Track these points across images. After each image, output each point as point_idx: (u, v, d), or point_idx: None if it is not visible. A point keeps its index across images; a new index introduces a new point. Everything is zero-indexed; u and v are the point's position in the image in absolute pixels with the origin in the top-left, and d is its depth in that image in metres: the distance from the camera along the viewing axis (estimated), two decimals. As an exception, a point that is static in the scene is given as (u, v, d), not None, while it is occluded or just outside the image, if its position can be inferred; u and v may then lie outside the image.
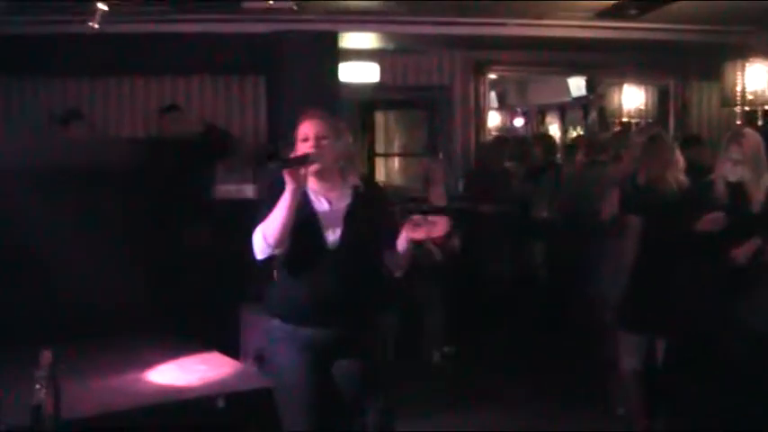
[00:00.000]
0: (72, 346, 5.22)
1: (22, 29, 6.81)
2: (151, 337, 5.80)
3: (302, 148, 3.62)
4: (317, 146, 3.60)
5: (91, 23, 6.04)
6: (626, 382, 5.39)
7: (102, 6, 5.98)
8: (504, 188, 8.22)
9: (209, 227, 7.11)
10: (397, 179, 10.68)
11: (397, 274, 3.82)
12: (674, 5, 6.81)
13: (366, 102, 9.34)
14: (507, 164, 8.88)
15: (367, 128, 9.50)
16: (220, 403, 4.58)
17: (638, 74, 9.15)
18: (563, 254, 7.60)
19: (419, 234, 3.61)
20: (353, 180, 3.78)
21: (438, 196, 7.16)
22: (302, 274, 3.62)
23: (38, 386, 2.96)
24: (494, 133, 10.16)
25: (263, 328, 3.82)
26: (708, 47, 7.94)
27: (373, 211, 3.78)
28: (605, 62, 9.18)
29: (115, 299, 5.76)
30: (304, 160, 3.51)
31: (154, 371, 5.19)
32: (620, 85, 9.15)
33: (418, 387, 6.43)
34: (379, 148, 9.93)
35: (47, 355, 2.98)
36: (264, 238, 3.49)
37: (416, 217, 3.64)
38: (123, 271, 5.86)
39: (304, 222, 3.58)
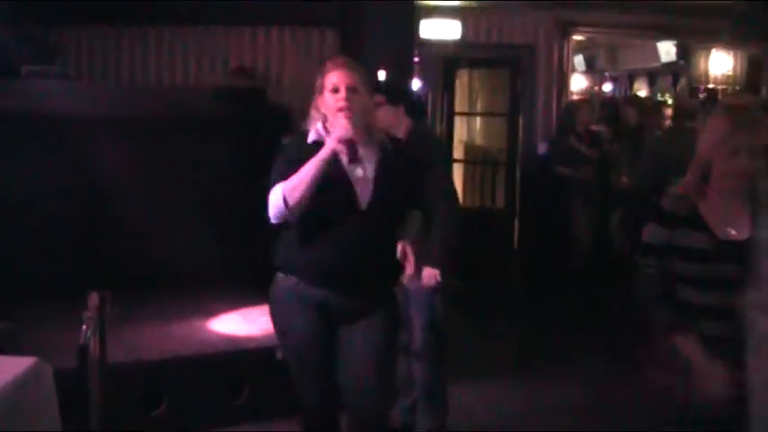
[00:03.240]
0: (139, 293, 5.38)
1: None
2: (217, 287, 5.91)
3: (331, 99, 3.33)
4: (349, 99, 3.31)
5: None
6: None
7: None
8: (588, 151, 8.07)
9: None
10: (478, 139, 10.59)
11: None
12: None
13: (448, 59, 9.22)
14: (598, 127, 8.74)
15: (448, 86, 9.37)
16: (279, 355, 4.63)
17: (730, 39, 8.83)
18: (642, 222, 7.41)
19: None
20: (379, 136, 3.52)
21: None
22: (329, 235, 3.32)
23: (84, 327, 2.97)
24: (575, 96, 9.94)
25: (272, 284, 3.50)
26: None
27: (400, 169, 3.52)
28: (695, 26, 8.88)
29: (184, 248, 5.86)
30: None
31: (217, 320, 5.29)
32: (708, 50, 8.86)
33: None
34: (460, 106, 9.81)
35: (94, 297, 2.99)
36: (285, 200, 3.18)
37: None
38: (193, 221, 5.95)
39: (333, 181, 3.30)
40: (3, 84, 5.69)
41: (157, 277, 5.71)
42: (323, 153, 3.22)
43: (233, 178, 6.28)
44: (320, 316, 3.41)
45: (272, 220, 3.25)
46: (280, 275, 3.47)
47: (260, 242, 6.40)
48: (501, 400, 5.57)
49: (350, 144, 3.31)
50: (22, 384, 2.68)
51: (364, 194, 3.39)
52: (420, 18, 8.01)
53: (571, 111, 8.45)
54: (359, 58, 6.06)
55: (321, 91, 3.40)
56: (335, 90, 3.35)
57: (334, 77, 3.36)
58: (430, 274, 4.41)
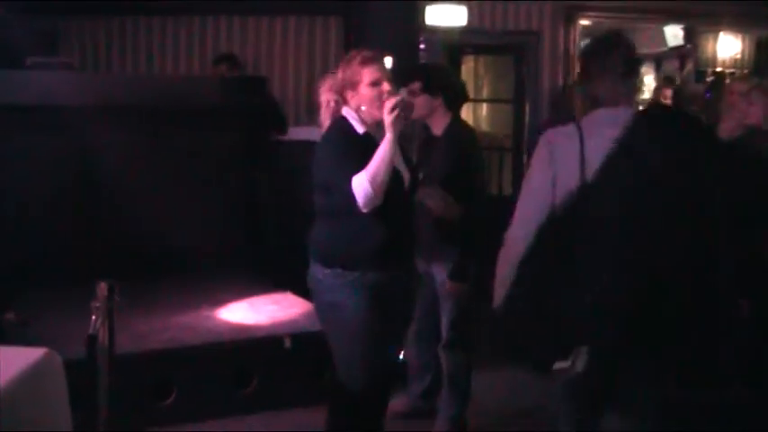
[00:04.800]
0: (147, 282, 5.38)
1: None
2: (224, 276, 5.90)
3: (372, 92, 3.49)
4: (393, 92, 3.46)
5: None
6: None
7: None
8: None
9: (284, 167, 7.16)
10: (484, 125, 10.56)
11: None
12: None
13: (453, 46, 9.18)
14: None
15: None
16: (287, 343, 4.64)
17: (737, 22, 8.78)
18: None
19: None
20: None
21: None
22: (380, 219, 3.45)
23: (93, 317, 2.96)
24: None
25: (316, 277, 3.59)
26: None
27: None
28: (702, 9, 8.83)
29: (191, 237, 5.85)
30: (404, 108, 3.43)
31: (225, 309, 5.28)
32: (716, 33, 8.82)
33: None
34: (466, 93, 9.78)
35: (102, 287, 2.99)
36: (374, 189, 3.33)
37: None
38: (200, 210, 5.95)
39: None
40: (7, 75, 5.67)
41: (164, 267, 5.72)
42: (390, 142, 3.36)
43: (240, 167, 6.28)
44: (375, 298, 3.51)
45: (364, 210, 3.37)
46: (328, 271, 3.53)
47: (270, 231, 6.46)
48: (516, 389, 5.52)
49: None
50: (32, 375, 2.68)
51: (406, 175, 3.63)
52: (425, 4, 7.97)
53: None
54: (362, 45, 6.08)
55: (353, 86, 3.54)
56: (375, 83, 3.50)
57: (374, 72, 3.51)
58: (445, 285, 4.37)
